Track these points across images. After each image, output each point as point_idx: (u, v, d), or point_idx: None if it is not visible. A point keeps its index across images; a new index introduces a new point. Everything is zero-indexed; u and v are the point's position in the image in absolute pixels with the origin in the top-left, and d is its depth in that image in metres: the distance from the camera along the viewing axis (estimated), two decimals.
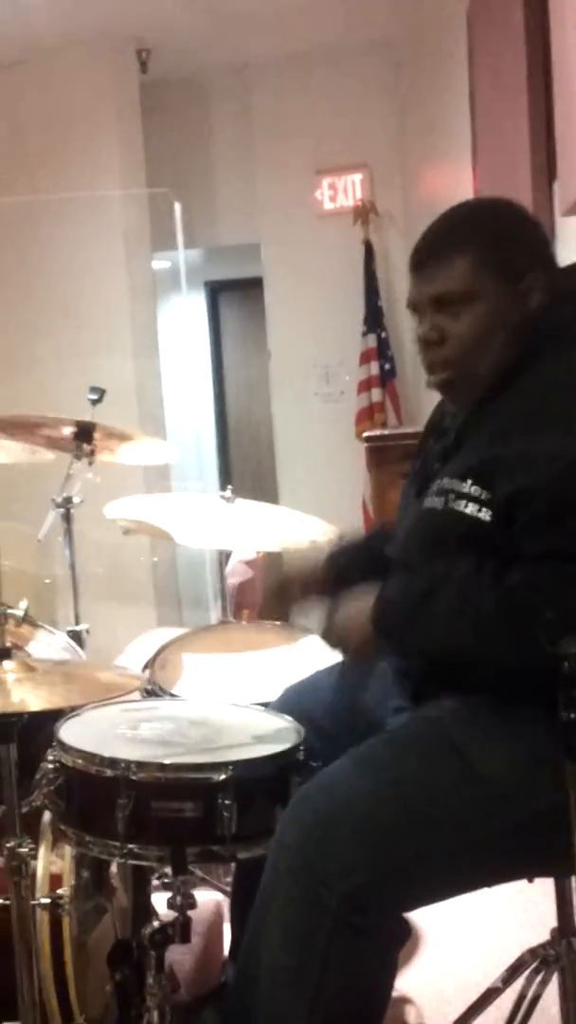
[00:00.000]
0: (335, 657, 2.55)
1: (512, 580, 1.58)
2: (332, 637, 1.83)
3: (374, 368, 5.96)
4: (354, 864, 1.56)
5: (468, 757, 1.63)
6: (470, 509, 1.66)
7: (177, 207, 5.59)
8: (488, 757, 1.63)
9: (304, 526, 3.01)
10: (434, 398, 2.04)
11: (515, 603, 1.57)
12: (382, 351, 5.97)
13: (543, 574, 1.56)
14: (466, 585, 1.62)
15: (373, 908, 1.57)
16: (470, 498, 1.67)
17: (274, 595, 2.12)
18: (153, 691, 2.43)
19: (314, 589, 2.05)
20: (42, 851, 2.00)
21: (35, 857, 1.93)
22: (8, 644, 1.93)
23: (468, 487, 1.67)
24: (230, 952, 2.23)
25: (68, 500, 3.11)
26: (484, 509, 1.65)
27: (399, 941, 1.66)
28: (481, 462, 1.69)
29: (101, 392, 3.16)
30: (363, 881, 1.55)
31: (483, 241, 1.76)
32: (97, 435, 3.06)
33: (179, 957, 2.27)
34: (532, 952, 1.92)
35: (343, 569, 2.04)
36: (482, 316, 1.75)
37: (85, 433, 3.04)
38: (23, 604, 2.44)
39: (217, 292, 7.61)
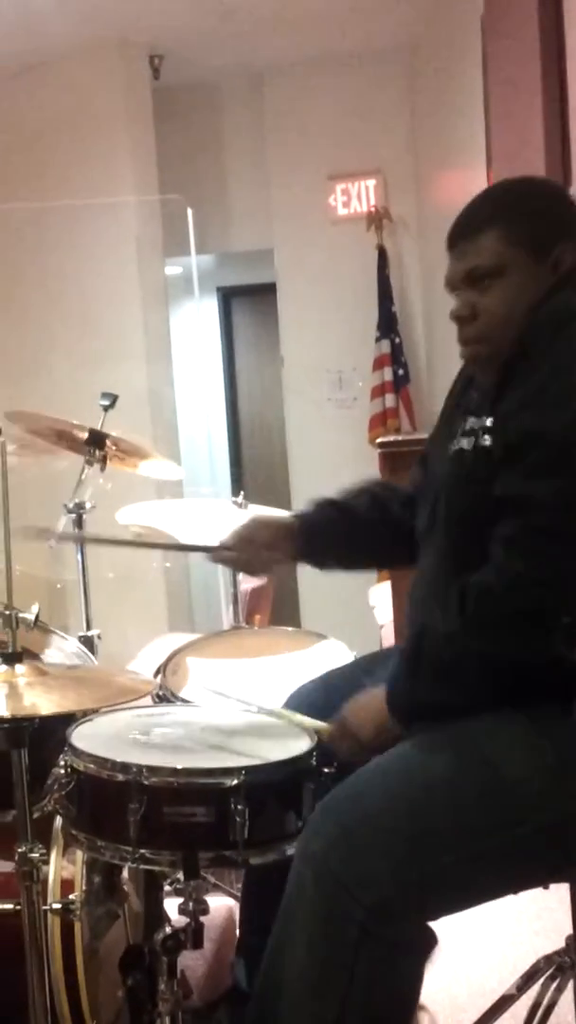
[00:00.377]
0: (346, 659, 2.56)
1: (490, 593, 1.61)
2: (344, 739, 1.81)
3: (387, 374, 5.95)
4: (380, 874, 1.55)
5: (494, 764, 1.62)
6: (487, 441, 1.70)
7: (189, 213, 5.59)
8: (514, 764, 1.62)
9: None
10: None
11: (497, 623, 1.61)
12: (396, 357, 5.96)
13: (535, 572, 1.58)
14: (441, 620, 1.66)
15: (399, 918, 1.57)
16: (488, 430, 1.71)
17: (238, 546, 2.12)
18: (165, 696, 2.42)
19: (280, 547, 2.11)
20: (53, 856, 1.99)
21: (46, 862, 1.92)
22: (20, 649, 1.93)
23: (488, 421, 1.71)
24: (237, 949, 2.22)
25: (80, 505, 3.11)
26: (491, 438, 1.70)
27: (426, 950, 1.66)
28: (494, 398, 1.73)
29: (113, 398, 3.17)
30: (389, 891, 1.55)
31: (509, 216, 1.79)
32: (109, 443, 3.06)
33: (191, 963, 2.27)
34: (547, 959, 1.92)
35: (314, 527, 2.11)
36: (511, 289, 1.77)
37: (97, 440, 3.05)
38: (35, 609, 2.43)
39: (230, 298, 7.61)
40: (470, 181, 4.73)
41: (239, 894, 2.56)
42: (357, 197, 6.21)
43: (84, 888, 1.97)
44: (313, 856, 1.60)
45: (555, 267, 1.76)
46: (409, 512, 2.04)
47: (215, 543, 2.16)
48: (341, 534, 2.13)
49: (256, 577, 2.21)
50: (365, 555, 2.24)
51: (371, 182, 6.18)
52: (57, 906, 1.94)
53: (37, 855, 1.83)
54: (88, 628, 3.10)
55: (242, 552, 2.12)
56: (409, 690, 1.71)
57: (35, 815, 1.88)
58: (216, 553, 2.18)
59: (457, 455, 1.78)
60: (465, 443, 1.76)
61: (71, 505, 3.11)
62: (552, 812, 1.59)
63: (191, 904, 1.67)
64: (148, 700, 2.25)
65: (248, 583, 4.15)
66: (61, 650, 2.62)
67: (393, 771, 1.66)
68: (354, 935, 1.54)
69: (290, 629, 3.11)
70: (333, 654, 2.67)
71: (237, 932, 2.47)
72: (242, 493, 3.06)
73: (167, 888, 1.89)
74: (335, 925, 1.56)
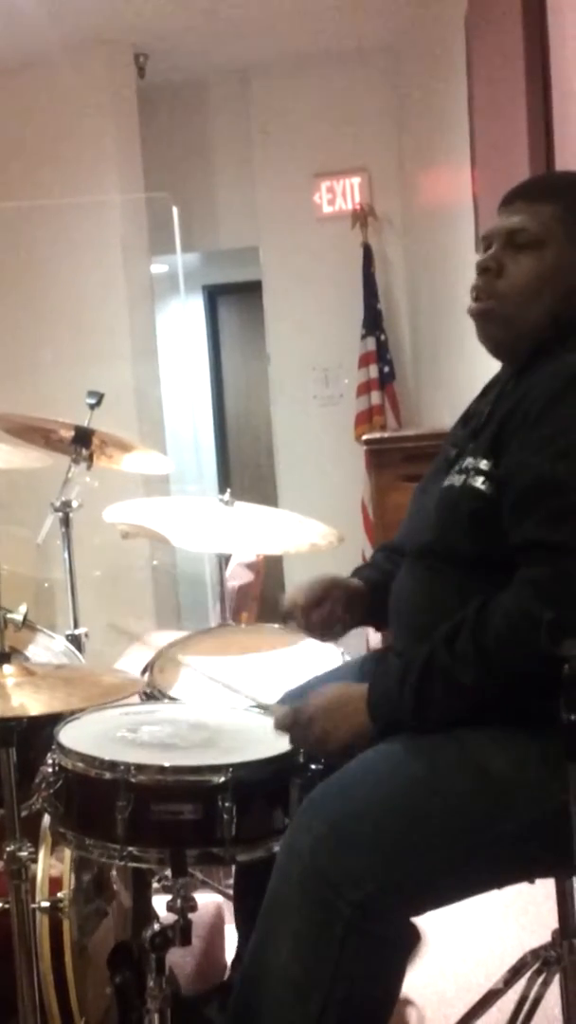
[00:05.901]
0: (335, 660, 2.56)
1: (495, 619, 1.60)
2: (303, 735, 1.77)
3: (373, 371, 5.96)
4: (367, 871, 1.55)
5: (478, 761, 1.62)
6: (480, 483, 1.70)
7: (175, 211, 5.60)
8: (499, 759, 1.62)
9: (303, 529, 3.00)
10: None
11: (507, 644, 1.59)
12: (381, 354, 5.97)
13: (530, 590, 1.59)
14: (452, 664, 1.62)
15: (386, 915, 1.57)
16: (485, 474, 1.70)
17: (309, 606, 2.04)
18: (152, 694, 2.43)
19: (352, 610, 2.04)
20: (42, 854, 2.00)
21: (35, 861, 1.93)
22: (7, 648, 1.93)
23: (485, 464, 1.71)
24: (236, 957, 2.22)
25: (67, 504, 3.10)
26: (490, 483, 1.69)
27: (410, 946, 1.66)
28: (496, 438, 1.72)
29: (99, 396, 3.17)
30: (376, 888, 1.55)
31: (571, 199, 1.80)
32: (96, 440, 3.07)
33: (179, 960, 2.27)
34: (533, 953, 1.92)
35: (381, 588, 2.03)
36: (543, 266, 1.78)
37: (83, 438, 3.05)
38: (22, 608, 2.44)
39: (216, 296, 7.62)
40: (454, 179, 4.74)
41: (227, 891, 2.57)
42: (342, 195, 6.22)
43: (72, 886, 1.97)
44: (299, 853, 1.60)
45: None
46: None
47: (285, 607, 2.06)
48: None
49: (323, 641, 2.10)
50: None
51: (356, 180, 6.19)
52: (45, 904, 1.95)
53: (25, 853, 1.83)
54: (75, 627, 3.10)
55: (316, 612, 2.03)
56: (408, 723, 1.68)
57: (23, 813, 1.88)
58: (287, 616, 2.09)
59: (446, 491, 1.78)
60: (456, 480, 1.76)
61: (57, 504, 3.11)
62: (538, 809, 1.59)
63: (179, 901, 1.67)
64: (136, 699, 2.26)
65: (235, 580, 4.15)
66: (48, 649, 2.63)
67: (379, 768, 1.66)
68: (339, 932, 1.55)
69: (277, 626, 3.10)
70: (320, 651, 2.68)
71: (227, 928, 2.48)
72: (228, 490, 3.06)
73: (155, 885, 1.90)
74: (320, 921, 1.56)
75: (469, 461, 1.75)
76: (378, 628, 2.15)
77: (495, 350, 1.88)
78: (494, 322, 1.84)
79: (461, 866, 1.61)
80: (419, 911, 1.64)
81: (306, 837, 1.61)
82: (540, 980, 1.90)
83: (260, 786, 1.76)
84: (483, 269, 1.83)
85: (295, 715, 1.78)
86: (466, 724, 1.66)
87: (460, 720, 1.66)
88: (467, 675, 1.61)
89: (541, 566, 1.59)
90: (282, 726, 1.79)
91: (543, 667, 1.43)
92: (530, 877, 1.78)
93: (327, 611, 2.04)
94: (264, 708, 1.90)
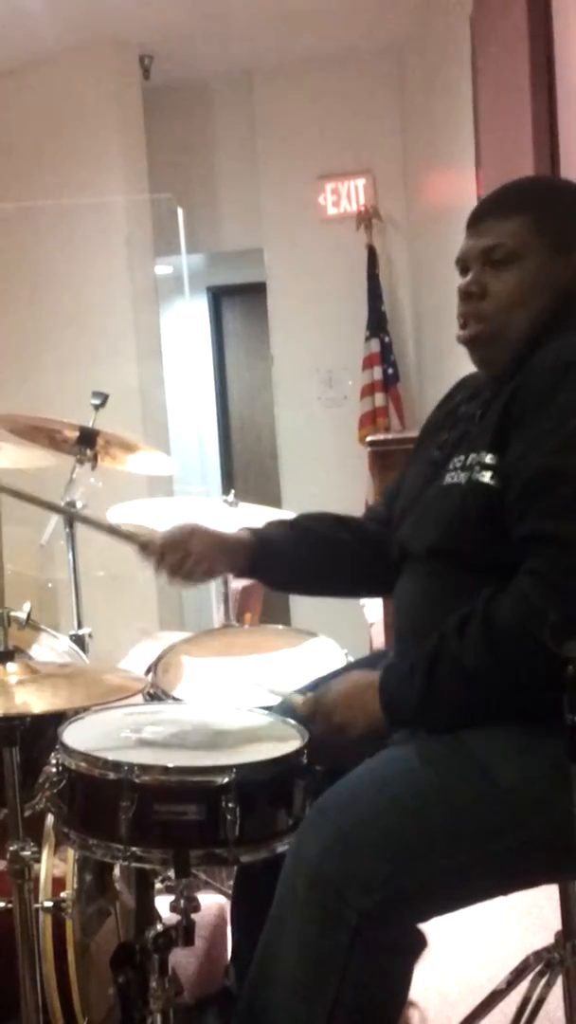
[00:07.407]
0: (339, 661, 2.56)
1: (502, 611, 1.60)
2: (326, 723, 1.80)
3: (377, 373, 5.97)
4: (375, 879, 1.55)
5: (488, 769, 1.62)
6: (488, 478, 1.70)
7: (180, 212, 5.60)
8: (508, 768, 1.62)
9: None
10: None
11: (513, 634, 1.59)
12: (385, 356, 5.98)
13: (531, 583, 1.59)
14: (460, 650, 1.64)
15: (393, 922, 1.56)
16: (491, 468, 1.70)
17: (167, 547, 2.07)
18: (156, 695, 2.43)
19: (219, 560, 2.07)
20: (45, 854, 2.00)
21: (38, 860, 1.93)
22: (11, 647, 1.93)
23: (490, 458, 1.71)
24: (232, 956, 2.22)
25: (71, 504, 3.11)
26: (496, 477, 1.69)
27: (416, 952, 1.66)
28: (497, 432, 1.71)
29: (104, 397, 3.17)
30: (383, 896, 1.54)
31: (541, 207, 1.81)
32: (100, 441, 3.07)
33: (182, 960, 2.27)
34: (536, 955, 1.92)
35: (272, 544, 2.08)
36: (526, 277, 1.78)
37: (88, 438, 3.05)
38: (26, 607, 2.44)
39: (220, 297, 7.62)
40: (459, 181, 4.74)
41: (230, 891, 2.56)
42: (347, 196, 6.22)
43: (75, 886, 1.97)
44: (307, 860, 1.60)
45: (573, 269, 1.78)
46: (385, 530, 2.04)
47: (143, 539, 2.11)
48: (311, 552, 2.13)
49: (178, 586, 2.14)
50: (339, 575, 2.19)
51: (360, 181, 6.20)
52: (49, 904, 1.95)
53: (29, 853, 1.83)
54: (79, 627, 3.11)
55: (169, 555, 2.06)
56: (417, 710, 1.69)
57: (27, 813, 1.88)
58: (143, 548, 2.11)
59: (450, 489, 1.78)
60: (460, 477, 1.76)
61: (62, 504, 3.10)
62: (545, 818, 1.58)
63: (182, 902, 1.67)
64: (139, 699, 2.26)
65: (239, 581, 4.15)
66: (52, 648, 2.63)
67: (388, 776, 1.66)
68: (346, 939, 1.54)
69: (280, 627, 3.11)
70: (323, 652, 2.68)
71: (228, 930, 2.47)
72: (232, 491, 3.07)
73: (158, 886, 1.90)
74: (328, 928, 1.56)
75: (472, 457, 1.75)
76: (265, 584, 2.21)
77: (490, 369, 1.87)
78: (485, 344, 1.83)
79: (468, 874, 1.61)
80: (425, 917, 1.63)
81: (313, 843, 1.61)
82: (543, 982, 1.90)
83: (264, 787, 1.76)
84: (466, 295, 1.83)
85: (316, 703, 1.79)
86: (474, 731, 1.66)
87: (468, 727, 1.66)
88: (475, 661, 1.62)
89: (544, 559, 1.59)
90: (306, 713, 1.80)
91: (548, 661, 1.43)
92: (536, 884, 1.78)
93: (179, 558, 2.04)
94: (282, 696, 1.90)
